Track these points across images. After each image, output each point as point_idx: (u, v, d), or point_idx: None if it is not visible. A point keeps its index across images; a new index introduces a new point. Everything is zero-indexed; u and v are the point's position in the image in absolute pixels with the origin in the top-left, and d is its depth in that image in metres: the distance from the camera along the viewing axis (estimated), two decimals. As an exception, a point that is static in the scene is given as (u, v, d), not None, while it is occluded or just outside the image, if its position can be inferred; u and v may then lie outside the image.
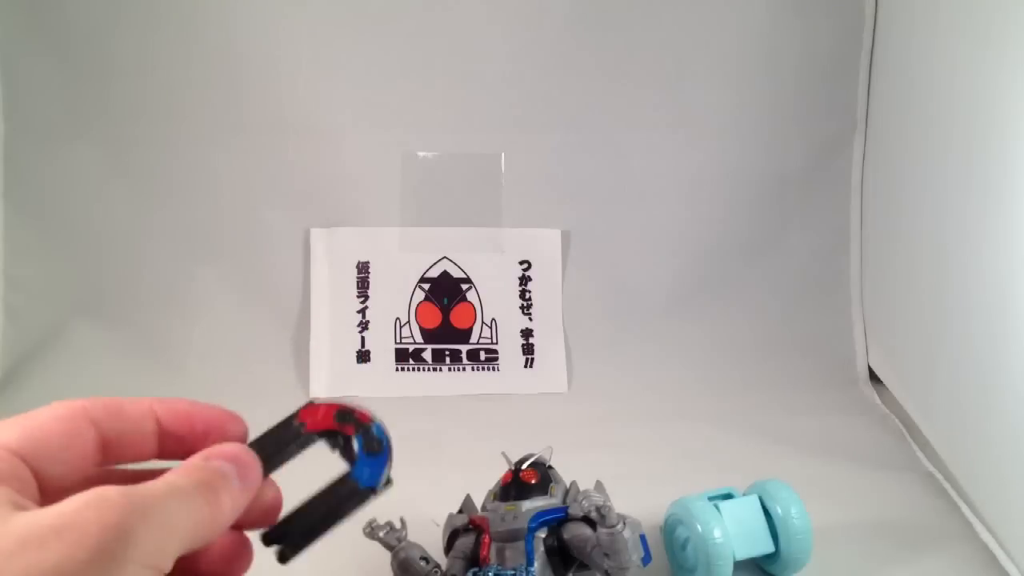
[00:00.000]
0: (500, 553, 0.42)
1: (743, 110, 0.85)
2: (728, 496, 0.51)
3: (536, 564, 0.41)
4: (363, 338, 0.84)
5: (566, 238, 0.87)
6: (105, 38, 0.81)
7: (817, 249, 0.87)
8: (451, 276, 0.86)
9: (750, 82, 0.85)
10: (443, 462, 0.67)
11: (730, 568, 0.47)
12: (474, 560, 0.44)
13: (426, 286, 0.86)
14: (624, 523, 0.40)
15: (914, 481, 0.65)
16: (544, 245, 0.87)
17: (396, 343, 0.85)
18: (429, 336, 0.85)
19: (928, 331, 0.70)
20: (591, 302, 0.87)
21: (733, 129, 0.85)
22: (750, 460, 0.67)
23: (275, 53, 0.83)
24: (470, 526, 0.45)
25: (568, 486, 0.49)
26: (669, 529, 0.50)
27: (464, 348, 0.85)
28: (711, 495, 0.50)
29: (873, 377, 0.84)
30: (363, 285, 0.85)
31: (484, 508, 0.47)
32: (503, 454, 0.50)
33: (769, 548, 0.49)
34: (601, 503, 0.40)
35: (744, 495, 0.51)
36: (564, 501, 0.46)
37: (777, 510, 0.49)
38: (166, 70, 0.82)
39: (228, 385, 0.79)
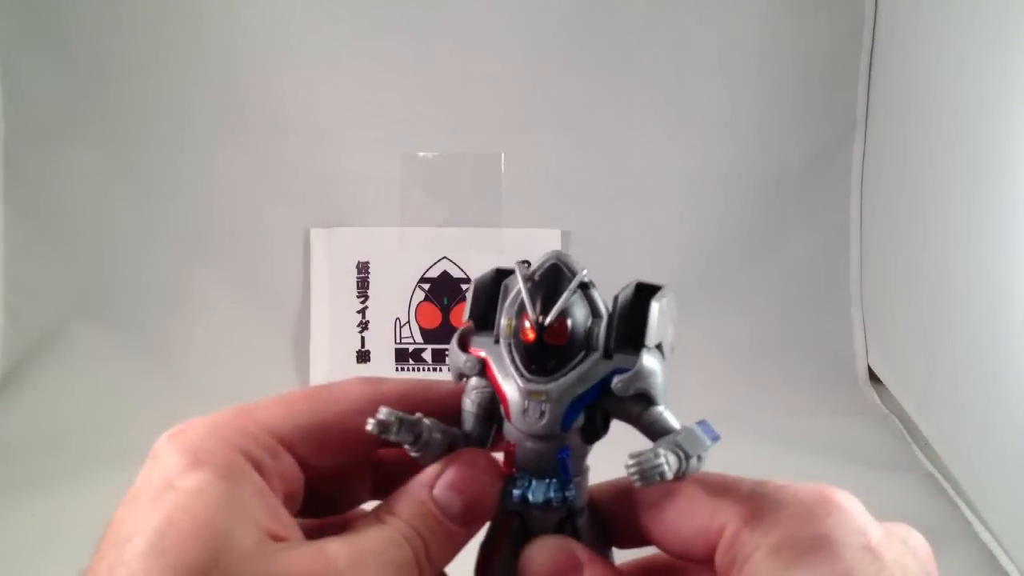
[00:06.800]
0: (523, 454, 0.28)
1: (743, 110, 0.85)
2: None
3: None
4: (363, 338, 0.84)
5: (566, 238, 0.87)
6: (105, 38, 0.81)
7: (817, 249, 0.87)
8: (451, 276, 0.86)
9: (750, 82, 0.85)
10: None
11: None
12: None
13: (426, 286, 0.86)
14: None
15: (914, 481, 0.65)
16: (544, 245, 0.86)
17: (396, 343, 0.85)
18: (429, 336, 0.85)
19: (928, 331, 0.70)
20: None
21: (733, 129, 0.85)
22: (750, 460, 0.67)
23: (275, 53, 0.83)
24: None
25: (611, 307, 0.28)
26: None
27: (464, 348, 0.85)
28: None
29: (873, 377, 0.84)
30: (363, 285, 0.85)
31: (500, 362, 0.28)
32: (520, 264, 0.28)
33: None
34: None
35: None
36: (605, 339, 0.27)
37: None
38: (166, 70, 0.82)
39: (228, 385, 0.79)
